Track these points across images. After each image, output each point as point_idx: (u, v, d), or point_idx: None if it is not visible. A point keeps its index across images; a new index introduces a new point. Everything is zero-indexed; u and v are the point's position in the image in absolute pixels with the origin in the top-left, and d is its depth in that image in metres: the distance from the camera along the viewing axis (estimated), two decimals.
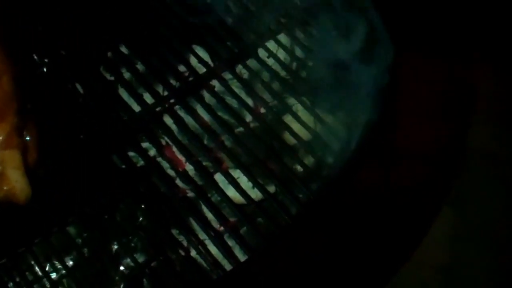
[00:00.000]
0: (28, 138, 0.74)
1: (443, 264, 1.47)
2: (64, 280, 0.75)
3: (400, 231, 0.69)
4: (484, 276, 1.46)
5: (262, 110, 0.88)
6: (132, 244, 0.79)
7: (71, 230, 0.76)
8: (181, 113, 0.86)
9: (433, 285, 1.47)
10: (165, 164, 0.82)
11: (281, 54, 0.92)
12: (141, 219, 0.80)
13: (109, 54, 0.92)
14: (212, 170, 0.83)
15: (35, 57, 0.88)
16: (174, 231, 0.78)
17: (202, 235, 0.76)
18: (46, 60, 0.88)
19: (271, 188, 0.81)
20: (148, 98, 0.87)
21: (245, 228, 0.79)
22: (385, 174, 0.72)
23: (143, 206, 0.79)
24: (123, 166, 0.81)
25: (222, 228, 0.77)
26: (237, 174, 0.81)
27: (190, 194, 0.81)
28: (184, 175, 0.81)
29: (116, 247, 0.78)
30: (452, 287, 1.45)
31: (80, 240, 0.77)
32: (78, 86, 0.86)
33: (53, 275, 0.75)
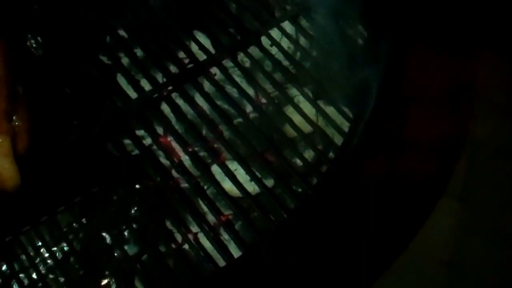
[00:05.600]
0: (17, 123, 0.71)
1: (448, 257, 1.45)
2: (52, 272, 0.73)
3: (402, 222, 0.67)
4: (490, 270, 1.44)
5: (263, 101, 0.85)
6: (125, 235, 0.77)
7: (61, 219, 0.74)
8: (179, 101, 0.83)
9: (437, 278, 1.45)
10: (160, 154, 0.80)
11: (285, 43, 0.88)
12: (133, 210, 0.77)
13: (107, 38, 0.89)
14: (209, 161, 0.80)
15: (29, 38, 0.86)
16: (167, 223, 0.76)
17: (196, 228, 0.74)
18: (40, 42, 0.86)
19: (269, 182, 0.79)
20: (146, 84, 0.84)
21: (240, 222, 0.76)
22: (391, 165, 0.70)
23: (136, 197, 0.77)
24: (117, 155, 0.79)
25: (216, 221, 0.75)
26: (234, 166, 0.78)
27: (185, 185, 0.78)
28: (180, 166, 0.78)
29: (107, 238, 0.75)
30: (456, 281, 1.43)
31: (70, 231, 0.74)
32: (74, 70, 0.84)
33: (41, 266, 0.72)
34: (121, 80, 0.84)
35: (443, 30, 0.81)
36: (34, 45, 0.86)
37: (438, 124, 0.74)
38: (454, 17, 0.82)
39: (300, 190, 0.78)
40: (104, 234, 0.76)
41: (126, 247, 0.74)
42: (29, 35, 0.86)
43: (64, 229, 0.74)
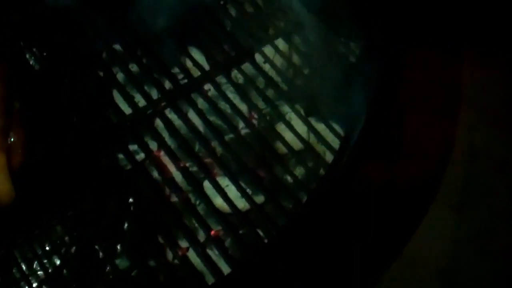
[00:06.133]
0: (13, 139, 0.72)
1: (443, 268, 1.46)
2: (44, 285, 0.74)
3: (393, 232, 0.68)
4: (485, 281, 1.44)
5: (255, 117, 0.86)
6: (117, 249, 0.78)
7: (54, 233, 0.75)
8: (173, 117, 0.84)
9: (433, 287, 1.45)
10: (153, 169, 0.81)
11: (278, 60, 0.90)
12: (126, 224, 0.78)
13: (104, 54, 0.90)
14: (201, 177, 0.81)
15: (27, 53, 0.87)
16: (159, 238, 0.77)
17: (187, 244, 0.75)
18: (38, 56, 0.87)
19: (260, 198, 0.80)
20: (140, 99, 0.85)
21: (230, 239, 0.78)
22: (391, 172, 0.71)
23: (128, 211, 0.78)
24: (111, 169, 0.80)
25: (207, 238, 0.76)
26: (226, 182, 0.80)
27: (177, 200, 0.79)
28: (172, 181, 0.80)
29: (99, 252, 0.77)
30: None
31: (62, 244, 0.76)
32: (70, 86, 0.85)
33: (33, 280, 0.74)
34: (116, 95, 0.86)
35: (438, 39, 0.81)
36: (32, 59, 0.88)
37: (442, 132, 0.74)
38: (458, 25, 0.83)
39: (290, 206, 0.79)
40: (96, 248, 0.77)
41: (117, 261, 0.75)
42: (27, 49, 0.88)
43: (57, 243, 0.75)
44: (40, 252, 0.74)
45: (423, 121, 0.75)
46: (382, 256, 0.67)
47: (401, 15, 0.83)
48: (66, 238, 0.76)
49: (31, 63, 0.89)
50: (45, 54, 0.90)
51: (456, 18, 0.82)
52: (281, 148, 0.82)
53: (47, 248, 0.75)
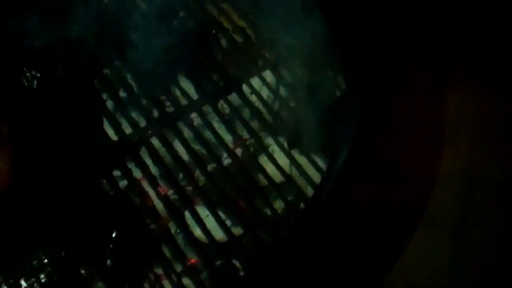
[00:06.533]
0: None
1: None
2: None
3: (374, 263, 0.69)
4: None
5: (239, 148, 0.88)
6: (97, 274, 0.79)
7: (35, 256, 0.77)
8: (158, 145, 0.86)
9: None
10: (136, 196, 0.83)
11: (265, 92, 0.91)
12: (109, 248, 0.80)
13: (94, 80, 0.92)
14: (182, 206, 0.83)
15: (22, 76, 0.89)
16: (138, 266, 0.78)
17: (163, 273, 0.77)
18: (30, 79, 0.89)
19: (239, 230, 0.81)
20: (127, 127, 0.87)
21: (207, 269, 0.79)
22: (387, 195, 0.72)
23: (111, 236, 0.80)
24: (94, 196, 0.82)
25: (183, 268, 0.77)
26: (206, 212, 0.81)
27: (157, 229, 0.81)
28: (153, 209, 0.81)
29: (79, 277, 0.78)
30: None
31: (43, 268, 0.77)
32: (58, 112, 0.87)
33: None
34: (104, 122, 0.88)
35: (439, 61, 0.82)
36: (25, 81, 0.90)
37: (439, 156, 0.76)
38: (455, 50, 0.84)
39: (268, 239, 0.80)
40: (76, 272, 0.78)
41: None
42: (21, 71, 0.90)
43: (37, 267, 0.77)
44: (21, 276, 0.75)
45: (409, 149, 0.76)
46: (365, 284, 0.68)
47: (386, 43, 0.84)
48: (46, 261, 0.77)
49: (25, 84, 0.91)
50: (39, 75, 0.92)
51: (447, 42, 0.83)
52: (262, 180, 0.84)
53: (28, 271, 0.76)
